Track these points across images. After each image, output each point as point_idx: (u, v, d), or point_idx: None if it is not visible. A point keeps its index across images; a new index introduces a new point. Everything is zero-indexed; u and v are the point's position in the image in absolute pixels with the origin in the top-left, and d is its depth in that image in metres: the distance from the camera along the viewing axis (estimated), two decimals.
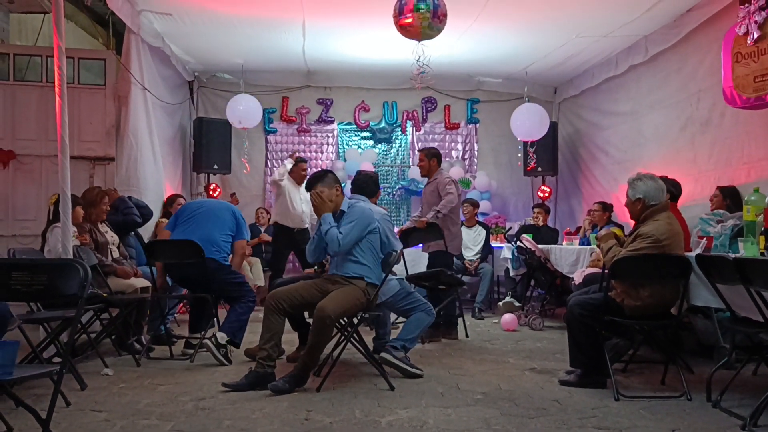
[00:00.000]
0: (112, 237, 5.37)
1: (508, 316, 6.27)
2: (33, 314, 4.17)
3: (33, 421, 2.70)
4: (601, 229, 5.77)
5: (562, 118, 9.23)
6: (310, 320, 3.92)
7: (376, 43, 7.32)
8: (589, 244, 6.30)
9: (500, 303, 6.99)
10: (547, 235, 7.56)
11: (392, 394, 3.76)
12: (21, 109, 6.61)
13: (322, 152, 9.19)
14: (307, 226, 7.05)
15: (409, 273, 5.65)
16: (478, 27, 6.67)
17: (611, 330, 4.05)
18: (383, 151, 9.37)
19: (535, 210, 8.02)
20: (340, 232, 4.05)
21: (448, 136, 9.40)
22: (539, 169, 8.61)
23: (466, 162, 9.33)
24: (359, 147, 9.28)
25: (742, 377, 3.86)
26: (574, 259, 6.04)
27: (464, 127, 9.38)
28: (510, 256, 6.99)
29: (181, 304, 6.48)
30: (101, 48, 7.83)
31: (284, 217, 7.02)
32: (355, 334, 4.11)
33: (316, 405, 3.51)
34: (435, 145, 8.95)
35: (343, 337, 4.17)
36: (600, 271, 4.84)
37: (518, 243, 6.74)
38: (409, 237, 5.89)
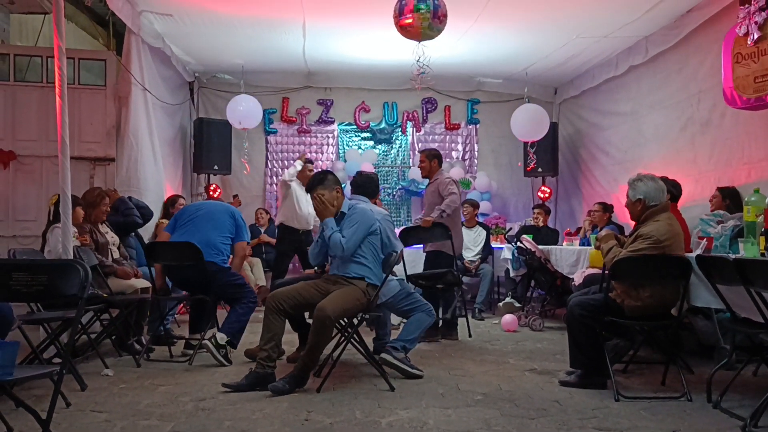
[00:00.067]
0: (112, 237, 5.37)
1: (508, 317, 6.27)
2: (33, 315, 4.17)
3: (33, 421, 2.70)
4: (601, 229, 5.76)
5: (563, 118, 9.24)
6: (311, 321, 3.92)
7: (376, 44, 7.32)
8: (589, 244, 6.29)
9: (500, 304, 6.99)
10: (547, 235, 7.56)
11: (392, 394, 3.76)
12: (21, 110, 6.60)
13: (322, 153, 9.19)
14: (311, 227, 7.04)
15: (408, 273, 5.65)
16: (478, 27, 6.67)
17: (611, 330, 4.05)
18: (383, 151, 9.38)
19: (536, 210, 8.02)
20: (343, 236, 4.05)
21: (448, 137, 9.41)
22: (539, 169, 8.61)
23: (467, 162, 9.34)
24: (359, 148, 9.29)
25: (743, 378, 3.86)
26: (574, 259, 6.04)
27: (464, 127, 9.38)
28: (510, 257, 6.98)
29: (182, 305, 6.48)
30: (102, 48, 7.83)
31: (291, 218, 7.00)
32: (355, 335, 4.11)
33: (317, 405, 3.51)
34: (435, 145, 8.97)
35: (343, 338, 4.17)
36: (600, 271, 4.84)
37: (518, 244, 6.74)
38: (410, 237, 5.89)
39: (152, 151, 6.98)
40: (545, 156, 8.52)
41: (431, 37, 5.10)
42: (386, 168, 9.38)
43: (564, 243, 6.91)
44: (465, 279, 6.90)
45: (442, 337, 5.65)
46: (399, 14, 5.00)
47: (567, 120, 9.16)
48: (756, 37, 4.79)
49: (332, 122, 9.21)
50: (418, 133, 9.32)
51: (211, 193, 8.29)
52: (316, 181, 4.23)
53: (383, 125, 9.29)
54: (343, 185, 4.54)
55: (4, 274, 2.72)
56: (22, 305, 4.22)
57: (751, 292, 3.09)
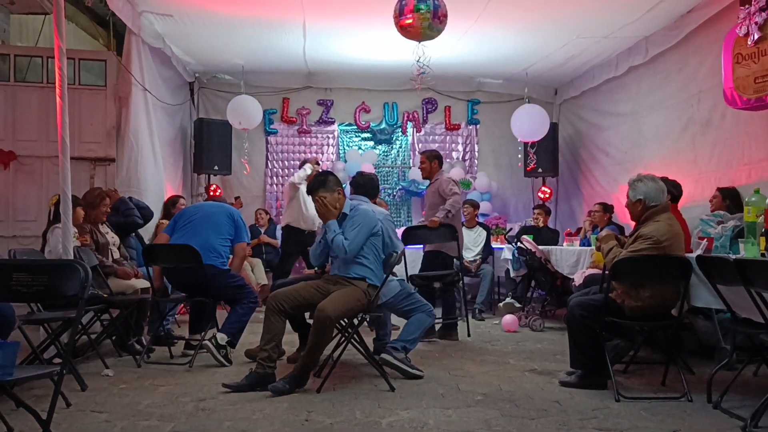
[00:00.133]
0: (112, 238, 5.37)
1: (508, 317, 6.27)
2: (33, 315, 4.17)
3: (33, 421, 2.70)
4: (601, 230, 5.77)
5: (563, 119, 9.24)
6: (311, 321, 3.92)
7: (376, 44, 7.32)
8: (589, 245, 6.30)
9: (501, 304, 6.98)
10: (547, 236, 7.56)
11: (393, 395, 3.76)
12: (22, 110, 6.60)
13: (322, 153, 9.20)
14: (316, 228, 7.07)
15: (409, 273, 5.65)
16: (478, 28, 6.67)
17: (612, 331, 4.04)
18: (384, 152, 9.38)
19: (536, 211, 8.02)
20: (346, 239, 4.05)
21: (448, 137, 9.42)
22: (540, 170, 8.62)
23: (467, 163, 9.34)
24: (360, 148, 9.29)
25: (743, 378, 3.86)
26: (574, 260, 6.04)
27: (465, 128, 9.39)
28: (510, 257, 6.98)
29: (182, 305, 6.48)
30: (102, 49, 7.82)
31: (297, 219, 7.08)
32: (355, 335, 4.11)
33: (317, 406, 3.51)
34: (435, 146, 8.98)
35: (343, 338, 4.17)
36: (600, 271, 4.84)
37: (519, 244, 6.74)
38: (415, 236, 5.89)
39: (152, 151, 6.98)
40: (545, 156, 8.52)
41: (431, 38, 5.10)
42: (386, 168, 9.38)
43: (564, 243, 6.91)
44: (465, 279, 6.90)
45: (441, 338, 5.65)
46: (399, 14, 5.00)
47: (567, 120, 9.17)
48: (756, 37, 4.79)
49: (332, 122, 9.21)
50: (418, 134, 9.32)
51: (211, 193, 8.29)
52: (318, 184, 4.22)
53: (383, 126, 9.30)
54: (343, 185, 4.54)
55: (5, 274, 2.72)
56: (22, 305, 4.21)
57: (752, 292, 3.09)
